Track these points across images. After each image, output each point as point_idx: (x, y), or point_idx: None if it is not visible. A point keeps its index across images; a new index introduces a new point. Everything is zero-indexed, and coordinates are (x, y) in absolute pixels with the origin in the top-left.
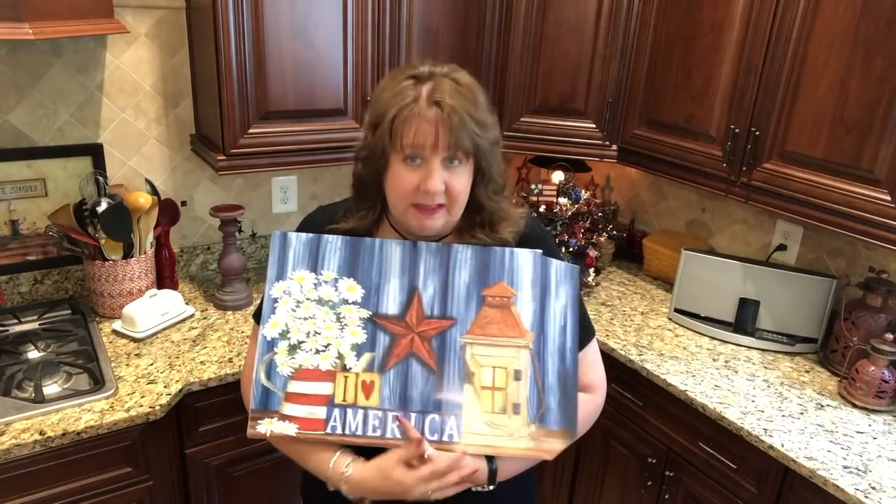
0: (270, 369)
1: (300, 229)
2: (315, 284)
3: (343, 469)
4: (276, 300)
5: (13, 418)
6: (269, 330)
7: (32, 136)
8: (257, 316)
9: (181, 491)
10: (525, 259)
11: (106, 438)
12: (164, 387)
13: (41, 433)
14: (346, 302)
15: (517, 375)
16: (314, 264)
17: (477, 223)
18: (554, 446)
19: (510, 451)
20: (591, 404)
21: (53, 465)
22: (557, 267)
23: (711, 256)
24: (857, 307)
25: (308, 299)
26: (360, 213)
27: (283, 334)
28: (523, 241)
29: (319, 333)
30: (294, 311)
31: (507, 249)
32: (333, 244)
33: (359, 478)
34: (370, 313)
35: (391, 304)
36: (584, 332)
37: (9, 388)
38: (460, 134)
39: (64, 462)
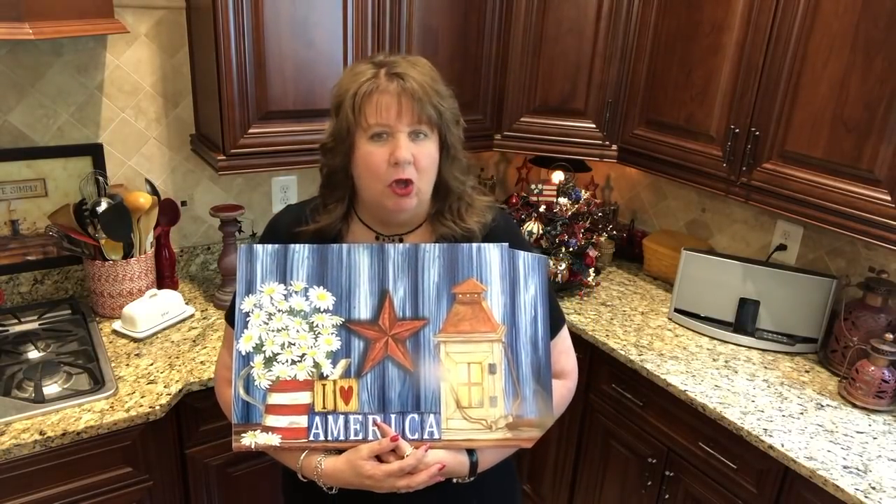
0: (249, 383)
1: (268, 229)
2: (285, 295)
3: (316, 464)
4: (247, 314)
5: (13, 418)
6: (244, 345)
7: (32, 136)
8: (229, 317)
9: (181, 491)
10: (493, 253)
11: (106, 438)
12: (164, 387)
13: (41, 433)
14: (317, 310)
15: (492, 369)
16: (283, 275)
17: (446, 209)
18: (531, 434)
19: (490, 444)
20: (563, 389)
21: (53, 465)
22: (525, 259)
23: (711, 256)
24: (857, 307)
25: (280, 311)
26: (330, 207)
27: (258, 348)
28: (491, 234)
29: (294, 344)
30: (266, 323)
31: (475, 245)
32: (300, 253)
33: (331, 471)
34: (343, 320)
35: (363, 309)
36: (554, 320)
37: (9, 388)
38: (423, 102)
39: (64, 462)
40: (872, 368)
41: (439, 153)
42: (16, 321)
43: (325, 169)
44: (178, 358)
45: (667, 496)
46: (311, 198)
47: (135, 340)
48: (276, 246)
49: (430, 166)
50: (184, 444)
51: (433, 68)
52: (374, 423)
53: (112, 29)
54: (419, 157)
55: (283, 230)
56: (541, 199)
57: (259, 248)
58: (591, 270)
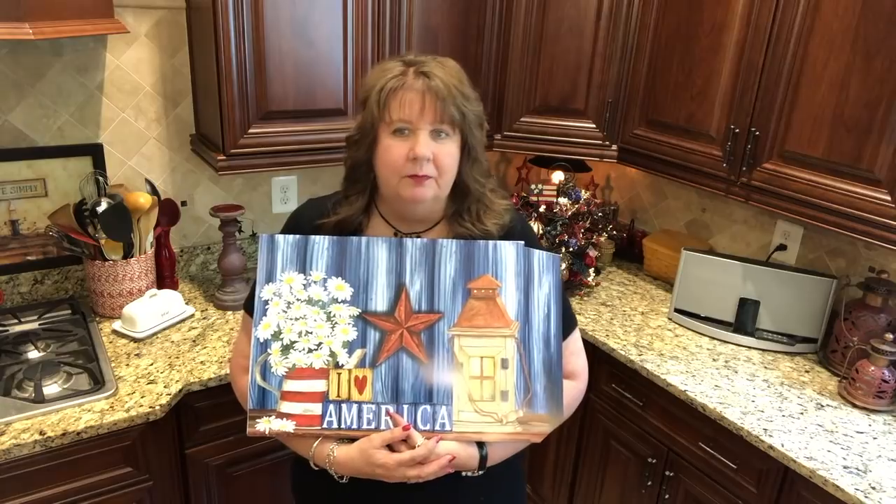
0: (265, 370)
1: (290, 222)
2: (304, 285)
3: (328, 452)
4: (266, 302)
5: (13, 418)
6: (262, 332)
7: (32, 136)
8: (248, 306)
9: (181, 491)
10: (508, 251)
11: (106, 438)
12: (164, 387)
13: (41, 433)
14: (335, 301)
15: (504, 364)
16: (302, 265)
17: (465, 210)
18: (541, 429)
19: (500, 437)
20: (574, 390)
21: (53, 465)
22: (540, 257)
23: (711, 256)
24: (857, 307)
25: (298, 300)
26: (351, 199)
27: (276, 335)
28: (507, 236)
29: (311, 333)
30: (285, 312)
31: (491, 242)
32: (320, 245)
33: (343, 459)
34: (360, 311)
35: (380, 300)
36: (567, 322)
37: (9, 388)
38: (447, 102)
39: (64, 462)
40: (872, 368)
41: (460, 154)
42: (16, 321)
43: (349, 161)
44: (178, 358)
45: (667, 496)
46: (333, 192)
47: (135, 340)
48: (297, 236)
49: (450, 165)
50: (184, 444)
51: (461, 70)
52: (387, 413)
53: (112, 29)
54: (439, 155)
55: (305, 224)
56: (541, 199)
57: (280, 238)
58: (591, 270)
